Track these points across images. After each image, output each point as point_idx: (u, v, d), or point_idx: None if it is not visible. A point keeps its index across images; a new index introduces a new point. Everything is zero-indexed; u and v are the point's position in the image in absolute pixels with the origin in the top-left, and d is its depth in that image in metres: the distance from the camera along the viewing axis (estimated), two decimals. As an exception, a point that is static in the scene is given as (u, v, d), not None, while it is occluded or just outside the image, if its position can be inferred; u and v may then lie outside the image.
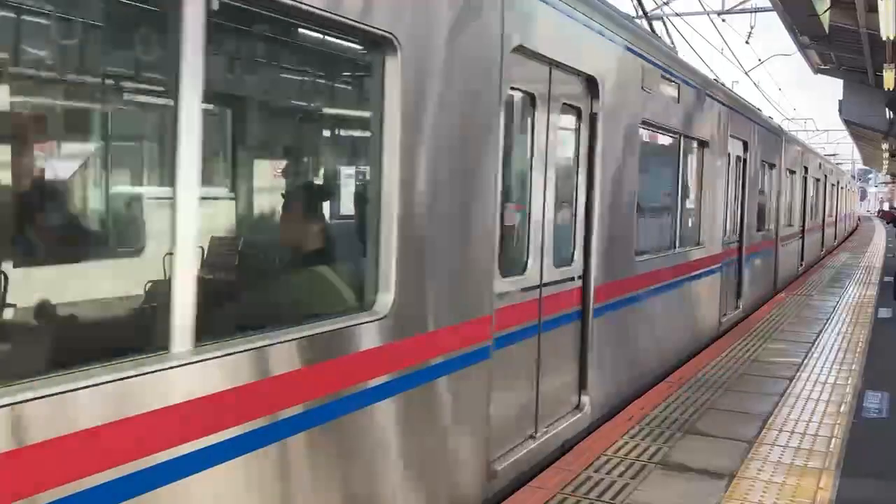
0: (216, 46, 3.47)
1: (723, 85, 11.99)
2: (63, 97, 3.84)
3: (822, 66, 22.74)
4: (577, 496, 4.90)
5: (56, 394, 2.35)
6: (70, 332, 3.33)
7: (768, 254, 14.70)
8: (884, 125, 24.53)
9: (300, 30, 3.79)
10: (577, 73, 5.83)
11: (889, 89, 15.38)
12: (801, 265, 19.00)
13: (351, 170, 4.85)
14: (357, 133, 4.83)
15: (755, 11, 19.61)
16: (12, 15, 3.16)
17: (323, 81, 4.80)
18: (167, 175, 2.88)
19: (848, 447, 5.98)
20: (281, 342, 3.15)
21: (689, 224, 9.59)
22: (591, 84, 6.03)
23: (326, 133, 5.23)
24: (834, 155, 50.93)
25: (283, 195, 4.75)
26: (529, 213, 5.38)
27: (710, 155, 9.87)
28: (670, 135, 8.72)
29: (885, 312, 13.05)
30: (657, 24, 17.66)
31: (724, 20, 19.43)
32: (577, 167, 6.10)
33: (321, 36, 3.79)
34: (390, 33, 3.61)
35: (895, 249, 30.55)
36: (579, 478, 5.19)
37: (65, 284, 3.51)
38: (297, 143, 5.01)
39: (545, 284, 5.54)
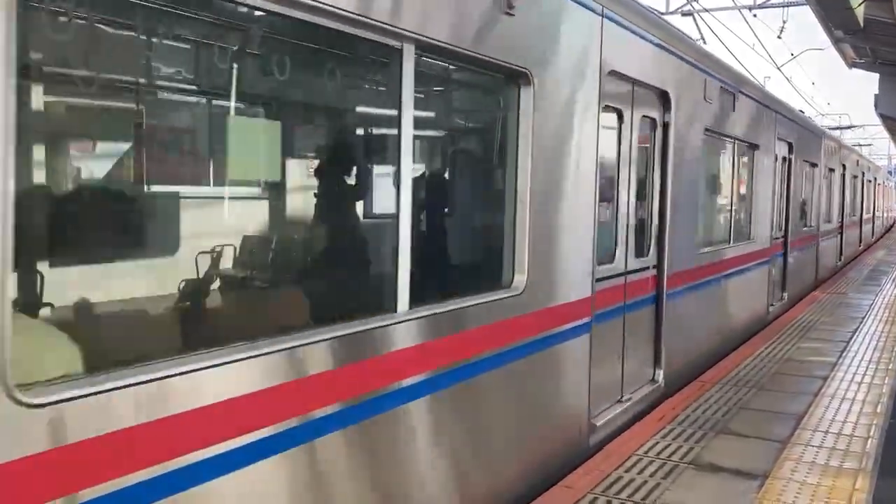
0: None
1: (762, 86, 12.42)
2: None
3: (857, 60, 22.31)
4: (607, 496, 4.87)
5: None
6: None
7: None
8: (921, 120, 24.02)
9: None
10: (653, 88, 6.67)
11: (926, 83, 15.06)
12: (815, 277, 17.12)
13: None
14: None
15: (787, 6, 19.31)
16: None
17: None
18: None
19: (885, 448, 5.88)
20: None
21: (742, 221, 10.26)
22: (664, 98, 6.91)
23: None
24: (868, 144, 50.00)
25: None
26: (616, 212, 6.28)
27: (760, 157, 10.46)
28: (728, 140, 9.40)
29: (923, 310, 12.81)
30: (687, 20, 17.53)
31: (755, 15, 19.18)
32: (652, 170, 6.92)
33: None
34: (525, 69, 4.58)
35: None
36: (609, 478, 5.16)
37: None
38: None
39: (629, 272, 6.45)
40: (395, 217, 3.78)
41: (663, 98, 6.93)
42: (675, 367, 7.46)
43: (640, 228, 6.83)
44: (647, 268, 6.90)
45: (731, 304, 9.62)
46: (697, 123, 7.81)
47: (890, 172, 53.28)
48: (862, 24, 15.39)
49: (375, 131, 5.04)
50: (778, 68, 24.23)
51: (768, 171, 11.10)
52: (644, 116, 6.62)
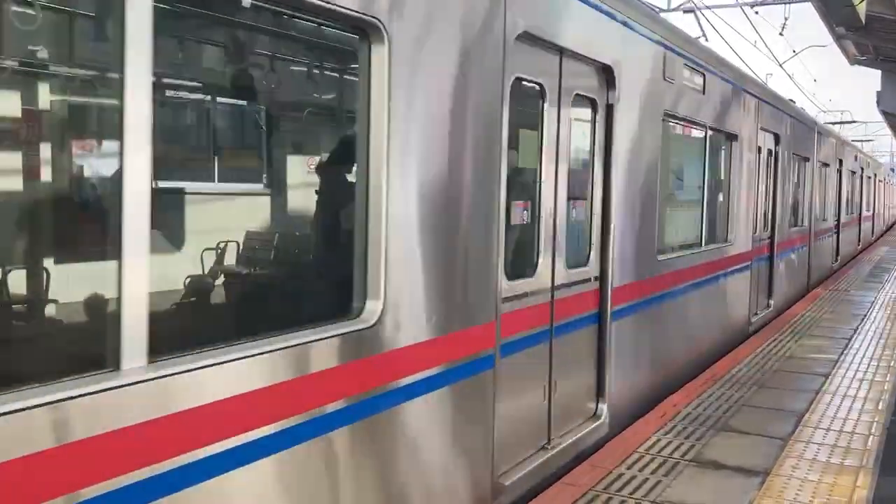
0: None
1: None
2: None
3: (859, 57, 22.32)
4: (608, 493, 4.88)
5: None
6: None
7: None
8: (923, 116, 24.00)
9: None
10: (591, 61, 5.54)
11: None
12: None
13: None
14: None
15: (789, 2, 19.29)
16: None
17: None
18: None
19: (886, 445, 5.88)
20: None
21: (717, 220, 9.28)
22: (608, 73, 5.79)
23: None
24: (870, 140, 49.96)
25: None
26: (539, 212, 5.09)
27: (739, 149, 9.59)
28: (697, 128, 8.31)
29: (924, 308, 12.81)
30: (689, 18, 17.52)
31: (757, 12, 19.16)
32: (593, 162, 5.83)
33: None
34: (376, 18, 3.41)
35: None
36: (611, 475, 5.17)
37: None
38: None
39: (557, 287, 5.30)
40: (118, 219, 2.52)
41: (606, 74, 5.77)
42: (627, 397, 6.38)
43: (576, 233, 5.67)
44: (588, 280, 5.73)
45: (702, 318, 8.51)
46: (653, 106, 6.67)
47: (892, 169, 53.10)
48: (864, 21, 15.39)
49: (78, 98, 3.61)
50: (780, 65, 24.22)
51: (750, 164, 10.06)
52: (578, 95, 5.47)
